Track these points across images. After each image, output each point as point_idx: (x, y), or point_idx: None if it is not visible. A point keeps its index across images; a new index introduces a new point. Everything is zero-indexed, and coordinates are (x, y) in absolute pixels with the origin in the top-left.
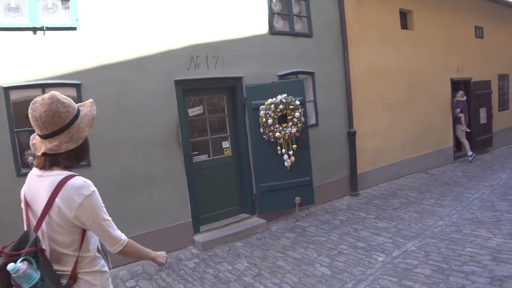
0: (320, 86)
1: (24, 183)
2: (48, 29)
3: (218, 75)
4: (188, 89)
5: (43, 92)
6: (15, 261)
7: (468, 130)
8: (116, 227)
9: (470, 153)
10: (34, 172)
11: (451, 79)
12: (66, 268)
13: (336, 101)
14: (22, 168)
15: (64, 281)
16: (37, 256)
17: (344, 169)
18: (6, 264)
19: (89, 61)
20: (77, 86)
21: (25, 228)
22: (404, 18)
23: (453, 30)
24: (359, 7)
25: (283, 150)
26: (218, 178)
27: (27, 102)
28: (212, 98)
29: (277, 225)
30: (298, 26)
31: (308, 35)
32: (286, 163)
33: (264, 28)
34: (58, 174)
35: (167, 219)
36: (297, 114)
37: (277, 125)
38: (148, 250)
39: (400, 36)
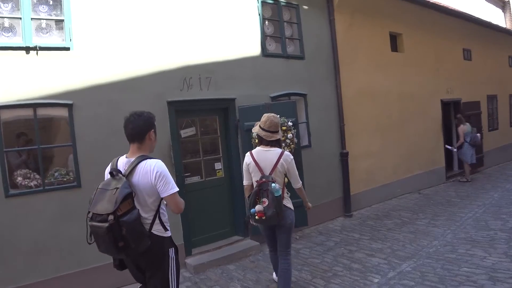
0: (312, 107)
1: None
2: (41, 49)
3: (211, 97)
4: (180, 110)
5: (35, 112)
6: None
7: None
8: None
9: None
10: (260, 148)
11: (442, 100)
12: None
13: (328, 123)
14: (10, 188)
15: None
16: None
17: (337, 190)
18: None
19: (81, 81)
20: (69, 106)
21: (260, 175)
22: (394, 41)
23: (442, 52)
24: (350, 30)
25: None
26: (210, 199)
27: (17, 121)
28: (204, 120)
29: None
30: (290, 49)
31: (300, 57)
32: None
33: (256, 50)
34: (277, 149)
35: None
36: (289, 135)
37: None
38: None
39: (391, 59)
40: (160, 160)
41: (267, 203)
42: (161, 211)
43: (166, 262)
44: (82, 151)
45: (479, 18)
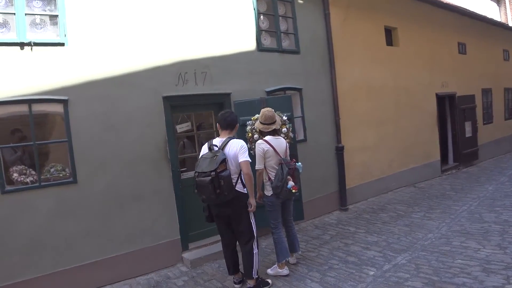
0: (307, 102)
1: (9, 200)
2: (36, 44)
3: (206, 92)
4: (176, 105)
5: (30, 108)
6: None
7: None
8: None
9: None
10: (271, 137)
11: (436, 94)
12: None
13: (323, 117)
14: (7, 185)
15: None
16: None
17: (333, 184)
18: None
19: (76, 77)
20: (64, 102)
21: (278, 158)
22: (389, 35)
23: (437, 46)
24: (345, 24)
25: None
26: None
27: (12, 118)
28: (200, 114)
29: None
30: (286, 43)
31: (296, 52)
32: None
33: (252, 45)
34: (281, 137)
35: (155, 237)
36: (284, 129)
37: None
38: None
39: (386, 53)
40: (242, 140)
41: (291, 179)
42: (241, 175)
43: (246, 211)
44: (78, 147)
45: (474, 12)
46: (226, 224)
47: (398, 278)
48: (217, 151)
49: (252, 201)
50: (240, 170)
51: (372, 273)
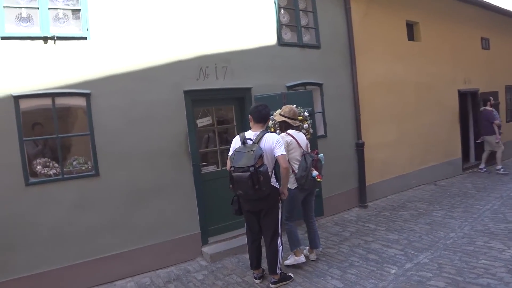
0: (328, 97)
1: (33, 192)
2: (59, 38)
3: (227, 86)
4: (197, 100)
5: (53, 101)
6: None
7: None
8: None
9: (499, 166)
10: (293, 131)
11: (459, 90)
12: None
13: (344, 112)
14: (30, 177)
15: None
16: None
17: (353, 181)
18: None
19: (98, 71)
20: (87, 96)
21: (301, 150)
22: (411, 30)
23: (460, 41)
24: (366, 18)
25: None
26: (226, 189)
27: (36, 111)
28: (220, 109)
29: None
30: (306, 38)
31: (316, 47)
32: None
33: (272, 40)
34: (301, 132)
35: (175, 231)
36: (305, 125)
37: None
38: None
39: (407, 48)
40: (276, 133)
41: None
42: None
43: (278, 205)
44: (100, 140)
45: (498, 6)
46: (256, 219)
47: (420, 277)
48: (252, 145)
49: (285, 191)
50: (273, 165)
51: (393, 271)
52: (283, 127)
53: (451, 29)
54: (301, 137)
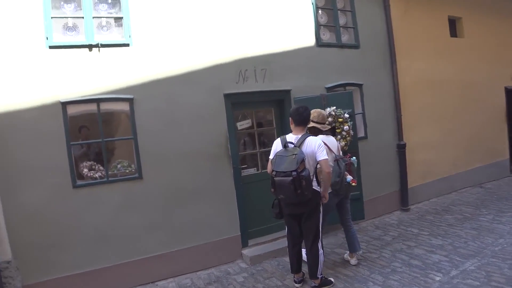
0: (368, 98)
1: (80, 194)
2: (103, 46)
3: (266, 88)
4: (236, 103)
5: (98, 107)
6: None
7: None
8: None
9: None
10: (323, 136)
11: (505, 88)
12: None
13: (384, 113)
14: (77, 179)
15: None
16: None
17: (394, 183)
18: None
19: (141, 76)
20: (130, 101)
21: (333, 155)
22: (453, 26)
23: (505, 36)
24: (406, 16)
25: None
26: (266, 191)
27: (82, 116)
28: (260, 111)
29: (326, 240)
30: (345, 38)
31: (355, 46)
32: None
33: (311, 41)
34: (330, 136)
35: (216, 233)
36: (346, 127)
37: None
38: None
39: (450, 45)
40: (318, 138)
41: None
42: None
43: (319, 209)
44: (143, 143)
45: None
46: (298, 223)
47: (467, 285)
48: (294, 148)
49: (326, 194)
50: (315, 169)
51: (438, 278)
52: (312, 133)
53: (496, 23)
54: (332, 141)
